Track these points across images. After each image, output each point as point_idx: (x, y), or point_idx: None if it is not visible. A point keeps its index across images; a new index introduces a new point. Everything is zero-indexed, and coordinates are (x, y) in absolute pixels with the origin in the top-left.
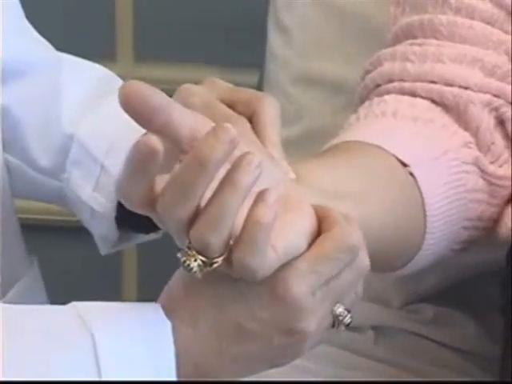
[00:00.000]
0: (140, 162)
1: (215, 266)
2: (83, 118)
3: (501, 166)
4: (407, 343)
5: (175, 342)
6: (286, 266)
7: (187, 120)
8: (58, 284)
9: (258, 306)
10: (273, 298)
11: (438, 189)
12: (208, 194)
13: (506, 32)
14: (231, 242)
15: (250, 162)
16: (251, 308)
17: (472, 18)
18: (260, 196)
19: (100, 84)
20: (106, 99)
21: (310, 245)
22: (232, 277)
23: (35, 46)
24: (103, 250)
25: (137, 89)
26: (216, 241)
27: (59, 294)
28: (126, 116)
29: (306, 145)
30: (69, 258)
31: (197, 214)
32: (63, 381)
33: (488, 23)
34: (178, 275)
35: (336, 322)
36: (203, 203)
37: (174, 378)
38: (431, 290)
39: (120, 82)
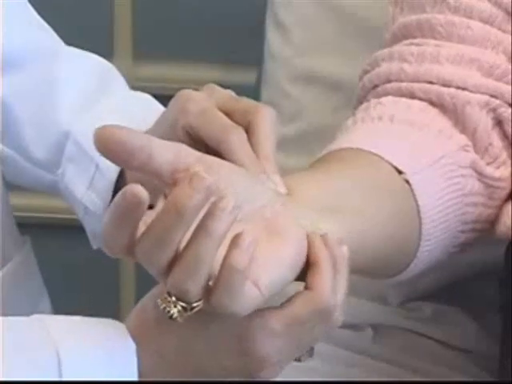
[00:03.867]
0: (125, 211)
1: (195, 310)
2: (80, 116)
3: (498, 168)
4: (405, 341)
5: (139, 369)
6: (258, 323)
7: (167, 154)
8: (56, 282)
9: (224, 356)
10: (241, 352)
11: (433, 195)
12: (186, 239)
13: (504, 31)
14: (210, 284)
15: (223, 208)
16: (218, 356)
17: (470, 18)
18: (234, 241)
19: (100, 80)
20: (105, 96)
21: (297, 273)
22: (204, 322)
23: (34, 34)
24: (94, 244)
25: (112, 134)
26: (194, 287)
27: (57, 292)
28: (122, 116)
29: (305, 143)
30: (66, 257)
31: (175, 260)
32: (67, 381)
33: (486, 23)
34: (150, 303)
35: (298, 357)
36: (182, 248)
37: None
38: (430, 288)
39: (120, 77)
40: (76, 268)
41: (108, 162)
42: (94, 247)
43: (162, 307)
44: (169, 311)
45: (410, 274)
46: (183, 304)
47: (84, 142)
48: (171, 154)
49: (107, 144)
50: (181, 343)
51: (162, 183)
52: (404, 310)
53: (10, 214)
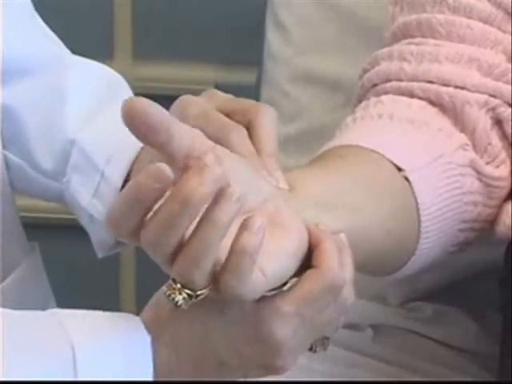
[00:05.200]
0: (145, 188)
1: (201, 297)
2: (86, 124)
3: (497, 167)
4: (405, 341)
5: (155, 361)
6: (271, 307)
7: (185, 139)
8: (55, 282)
9: (240, 343)
10: (255, 338)
11: (433, 193)
12: (192, 227)
13: (503, 31)
14: (218, 268)
15: (229, 197)
16: (233, 344)
17: (470, 18)
18: (244, 225)
19: (106, 89)
20: (111, 106)
21: (299, 265)
22: (218, 310)
23: (41, 42)
24: (100, 253)
25: (139, 106)
26: (199, 276)
27: (57, 291)
28: None
29: (305, 142)
30: (65, 256)
31: (180, 248)
32: (69, 381)
33: (486, 22)
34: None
35: (314, 347)
36: (187, 237)
37: None
38: (430, 288)
39: (125, 85)
40: (76, 268)
41: (113, 170)
42: (99, 256)
43: (167, 294)
44: (174, 298)
45: (408, 271)
46: (188, 291)
47: (89, 150)
48: (188, 138)
49: (133, 116)
50: (197, 333)
51: (174, 167)
52: (404, 310)
53: (17, 220)
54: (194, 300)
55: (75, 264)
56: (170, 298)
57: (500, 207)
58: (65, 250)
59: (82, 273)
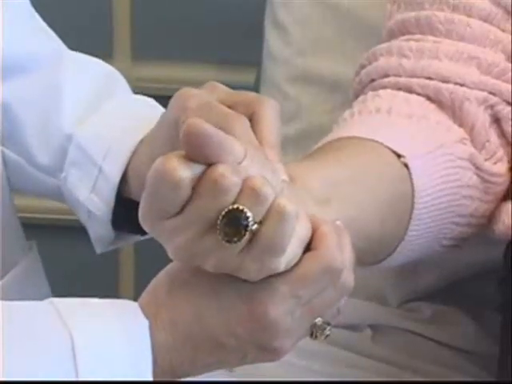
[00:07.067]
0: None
1: (255, 228)
2: (83, 119)
3: (495, 164)
4: (405, 342)
5: (153, 346)
6: (266, 286)
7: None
8: (54, 282)
9: (236, 323)
10: (251, 317)
11: (431, 181)
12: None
13: (503, 30)
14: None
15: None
16: (229, 323)
17: (469, 16)
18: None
19: (103, 84)
20: (108, 101)
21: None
22: (212, 289)
23: (39, 38)
24: (98, 248)
25: (200, 130)
26: (269, 190)
27: (56, 292)
28: (125, 120)
29: (304, 143)
30: (65, 256)
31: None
32: (69, 381)
33: (485, 21)
34: (163, 278)
35: (314, 333)
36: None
37: (150, 378)
38: (429, 288)
39: (123, 81)
40: (74, 268)
41: (111, 165)
42: (98, 251)
43: (240, 209)
44: (243, 210)
45: (398, 260)
46: (252, 214)
47: (87, 145)
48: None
49: (193, 139)
50: (194, 313)
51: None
52: (403, 310)
53: (15, 218)
54: (252, 227)
55: (74, 264)
56: (240, 209)
57: (499, 206)
58: (63, 250)
59: (80, 273)
